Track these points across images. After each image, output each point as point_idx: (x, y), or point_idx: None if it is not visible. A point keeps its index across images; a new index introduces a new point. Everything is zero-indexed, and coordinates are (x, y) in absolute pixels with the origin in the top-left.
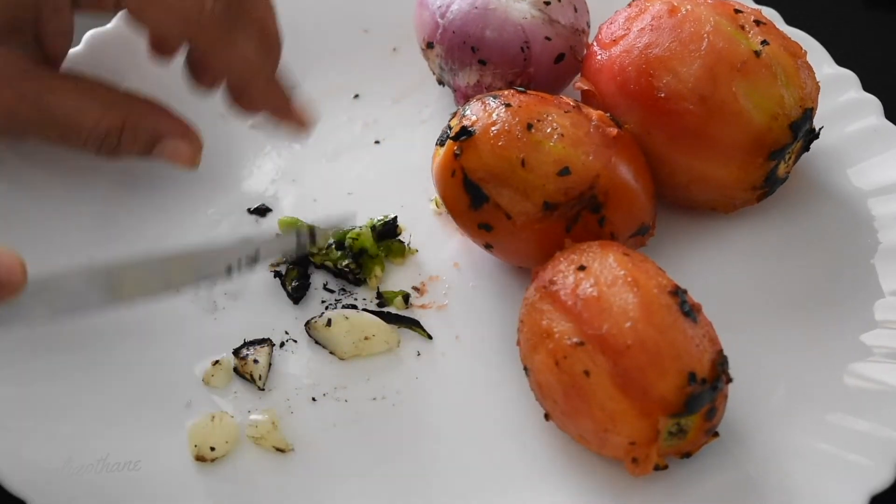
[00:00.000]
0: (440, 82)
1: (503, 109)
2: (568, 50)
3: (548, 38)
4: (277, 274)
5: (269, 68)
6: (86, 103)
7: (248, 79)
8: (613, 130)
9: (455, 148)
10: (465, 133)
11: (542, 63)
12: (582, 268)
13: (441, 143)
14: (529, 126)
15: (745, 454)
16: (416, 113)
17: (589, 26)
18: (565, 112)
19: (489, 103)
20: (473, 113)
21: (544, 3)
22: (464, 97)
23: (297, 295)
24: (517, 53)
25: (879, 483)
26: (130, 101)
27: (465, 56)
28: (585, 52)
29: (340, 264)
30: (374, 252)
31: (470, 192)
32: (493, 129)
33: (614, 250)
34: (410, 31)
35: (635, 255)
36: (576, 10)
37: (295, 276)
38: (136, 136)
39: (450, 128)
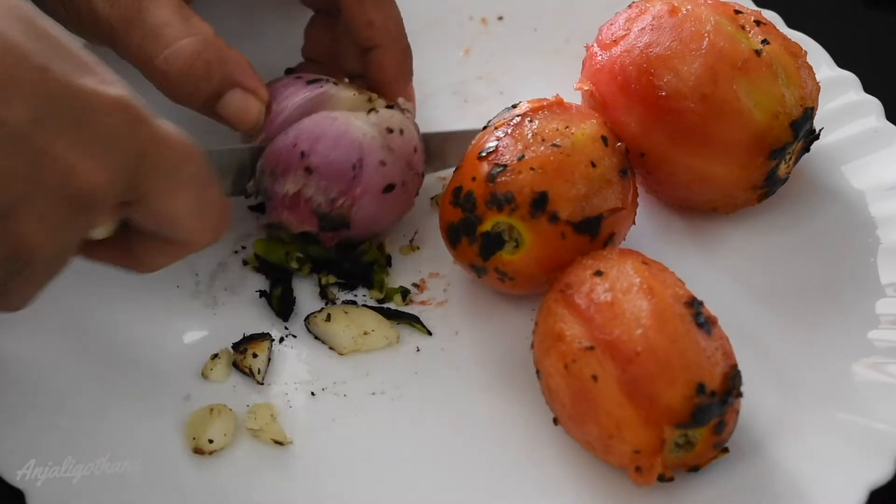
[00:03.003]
0: (254, 192)
1: None
2: (400, 183)
3: (383, 163)
4: (263, 293)
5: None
6: (177, 21)
7: (392, 34)
8: None
9: None
10: None
11: (370, 187)
12: (599, 273)
13: None
14: None
15: (745, 448)
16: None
17: (422, 177)
18: None
19: None
20: None
21: (386, 129)
22: (278, 209)
23: (286, 311)
24: (347, 169)
25: (879, 477)
26: (217, 41)
27: (292, 160)
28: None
29: (324, 281)
30: (382, 262)
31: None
32: None
33: (633, 258)
34: (414, 31)
35: (654, 265)
36: (415, 150)
37: (278, 295)
38: (210, 76)
39: None
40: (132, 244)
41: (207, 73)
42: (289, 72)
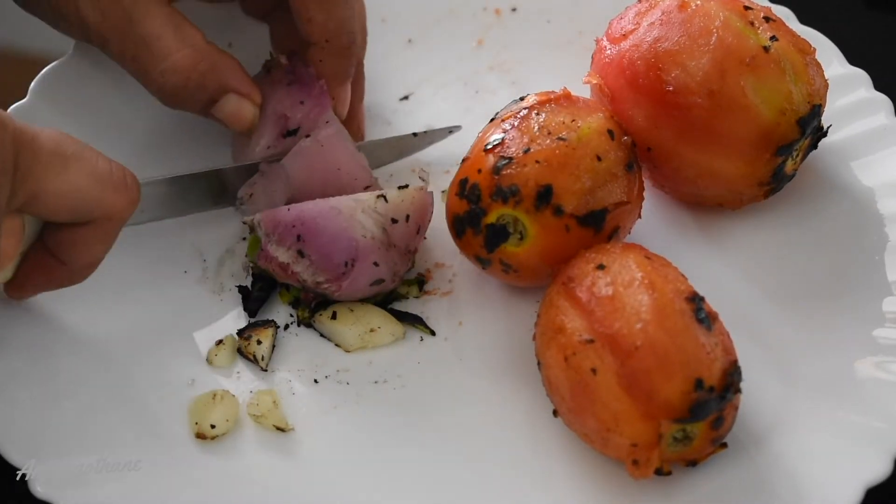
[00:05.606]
0: (251, 227)
1: None
2: (390, 276)
3: (376, 264)
4: (242, 289)
5: (360, 51)
6: (168, 33)
7: (330, 32)
8: None
9: None
10: None
11: (358, 282)
12: (601, 267)
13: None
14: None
15: (744, 443)
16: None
17: (414, 251)
18: None
19: None
20: None
21: (391, 220)
22: (267, 260)
23: (254, 307)
24: (339, 265)
25: (876, 475)
26: (209, 49)
27: (287, 237)
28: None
29: (300, 294)
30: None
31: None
32: None
33: (636, 252)
34: (428, 21)
35: (657, 259)
36: (418, 231)
37: (259, 288)
38: (205, 85)
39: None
40: (53, 250)
41: (202, 83)
42: (266, 65)
